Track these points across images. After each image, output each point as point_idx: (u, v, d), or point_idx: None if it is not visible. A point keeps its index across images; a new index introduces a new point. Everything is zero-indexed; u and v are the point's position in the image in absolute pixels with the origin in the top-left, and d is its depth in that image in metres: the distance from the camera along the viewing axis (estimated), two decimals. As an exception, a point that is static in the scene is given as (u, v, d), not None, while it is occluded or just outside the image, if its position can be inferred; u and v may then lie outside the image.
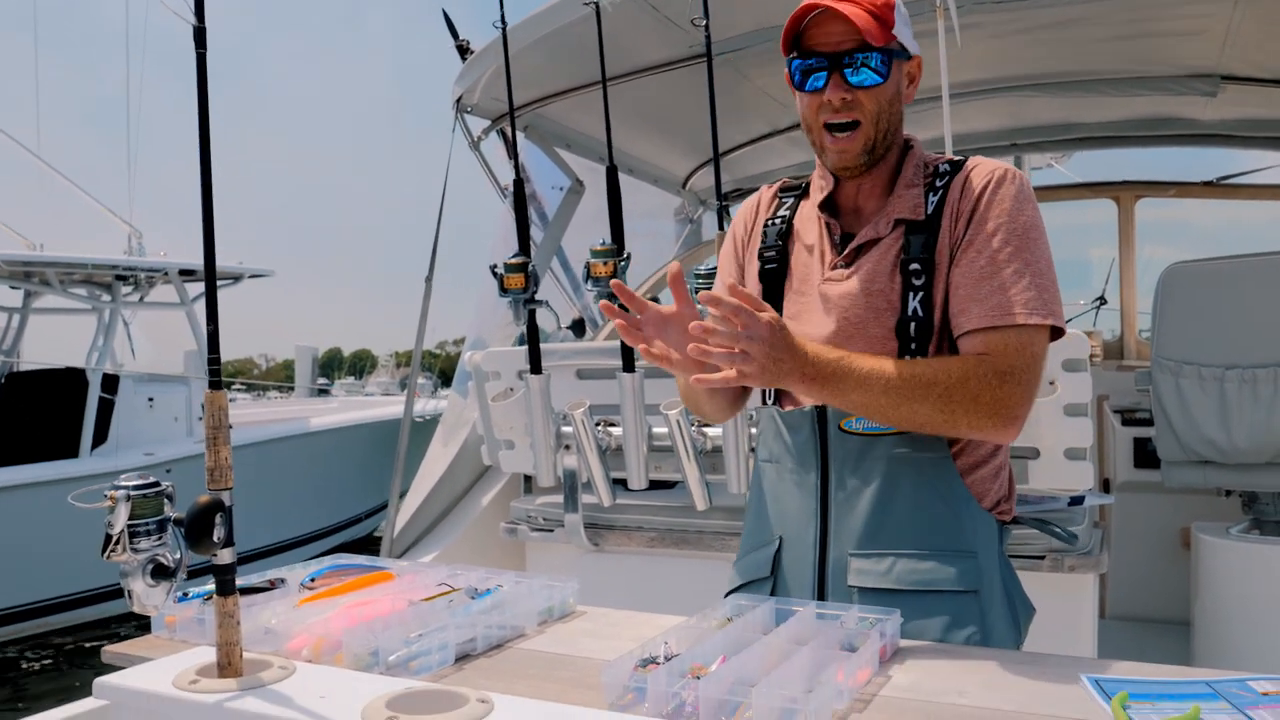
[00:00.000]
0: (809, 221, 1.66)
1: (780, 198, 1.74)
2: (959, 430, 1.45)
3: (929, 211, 1.53)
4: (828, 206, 1.63)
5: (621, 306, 1.49)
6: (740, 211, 1.80)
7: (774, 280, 1.66)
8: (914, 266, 1.51)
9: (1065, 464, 2.36)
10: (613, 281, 1.49)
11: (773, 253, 1.67)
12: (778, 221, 1.69)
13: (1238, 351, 3.01)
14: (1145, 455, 3.91)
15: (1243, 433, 3.00)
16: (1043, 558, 2.45)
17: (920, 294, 1.50)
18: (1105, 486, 4.10)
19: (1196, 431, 3.07)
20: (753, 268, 1.71)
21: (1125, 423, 4.07)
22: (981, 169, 1.54)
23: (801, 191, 1.72)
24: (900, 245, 1.53)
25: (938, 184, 1.55)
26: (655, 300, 3.23)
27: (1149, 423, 3.45)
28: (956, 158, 1.60)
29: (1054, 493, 2.48)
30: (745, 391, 1.77)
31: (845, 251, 1.58)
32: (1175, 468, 3.20)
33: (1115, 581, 3.99)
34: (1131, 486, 4.00)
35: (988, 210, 1.50)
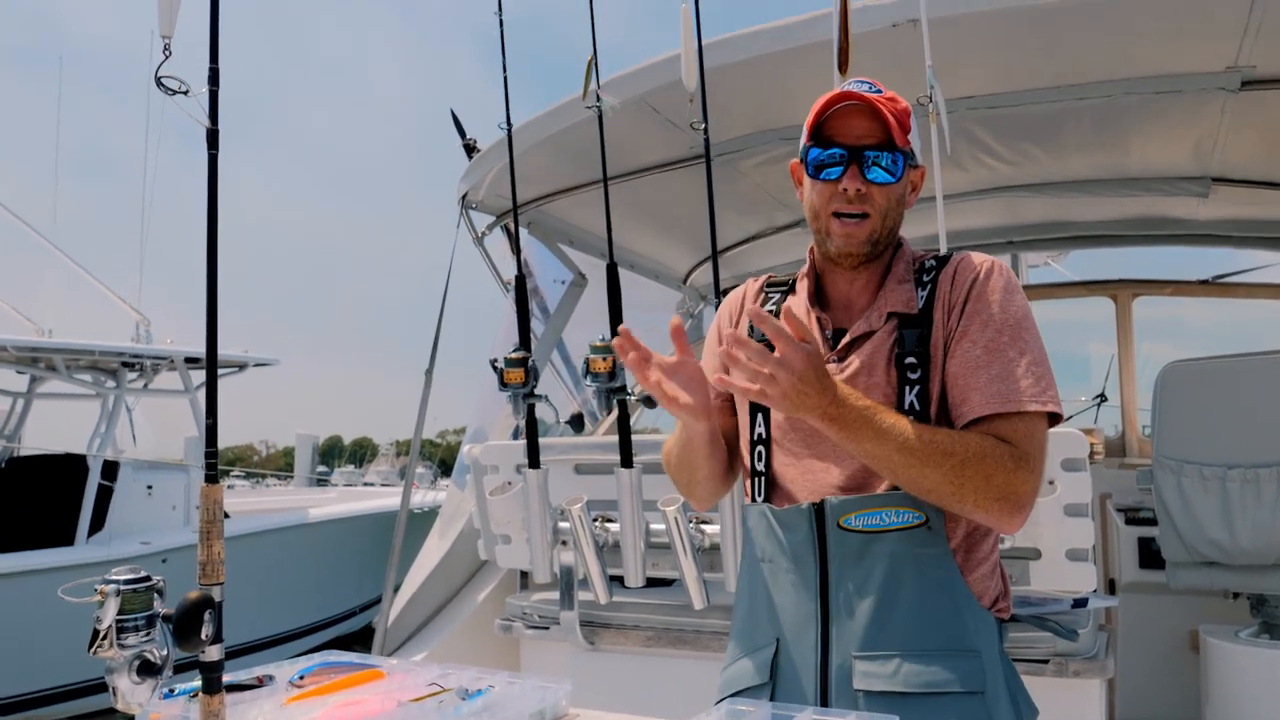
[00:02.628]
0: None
1: (766, 293, 1.75)
2: (964, 506, 1.43)
3: (921, 305, 1.55)
4: (818, 301, 1.65)
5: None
6: (725, 305, 1.80)
7: None
8: (909, 360, 1.52)
9: (1067, 565, 2.33)
10: (620, 327, 1.49)
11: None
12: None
13: (1239, 451, 3.00)
14: (1150, 555, 3.86)
15: (1246, 533, 2.97)
16: (1046, 662, 2.40)
17: (916, 387, 1.51)
18: (1111, 587, 4.04)
19: (1200, 532, 3.04)
20: None
21: (1129, 522, 4.03)
22: (969, 262, 1.57)
23: (789, 288, 1.73)
24: (894, 339, 1.54)
25: (925, 279, 1.58)
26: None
27: (1153, 522, 3.42)
28: (942, 253, 1.63)
29: (1056, 595, 2.45)
30: (733, 469, 1.74)
31: (839, 346, 1.58)
32: (1180, 569, 3.16)
33: (1124, 685, 3.90)
34: (1137, 587, 3.94)
35: (979, 301, 1.52)
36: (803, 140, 1.58)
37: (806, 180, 1.60)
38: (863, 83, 1.58)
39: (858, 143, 1.53)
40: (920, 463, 1.39)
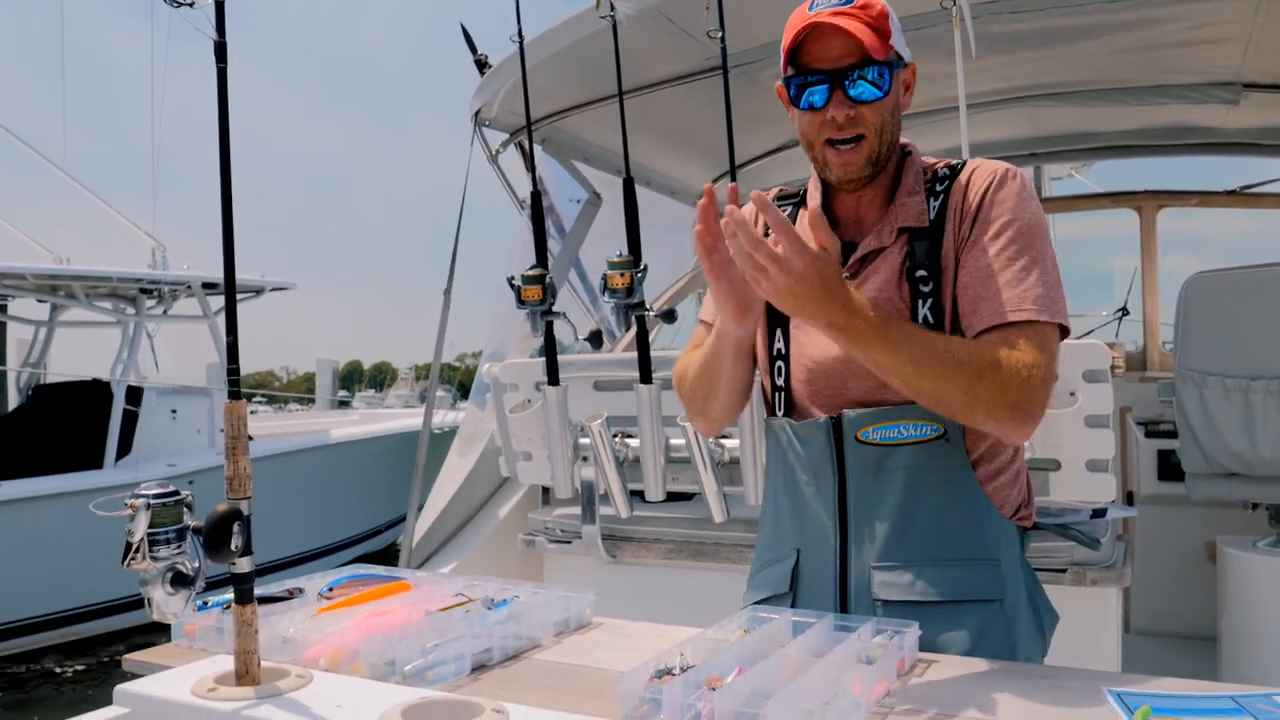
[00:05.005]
0: (808, 232, 1.63)
1: (778, 205, 1.70)
2: (975, 418, 1.39)
3: (932, 217, 1.52)
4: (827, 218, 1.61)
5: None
6: None
7: None
8: (920, 273, 1.50)
9: (1087, 476, 2.34)
10: (753, 194, 1.35)
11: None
12: None
13: (1262, 362, 2.98)
14: (1169, 468, 3.87)
15: (1268, 444, 2.96)
16: (1064, 570, 2.42)
17: (929, 300, 1.49)
18: (1129, 500, 4.06)
19: (1221, 443, 3.04)
20: None
21: (1149, 435, 4.03)
22: (983, 169, 1.53)
23: (800, 200, 1.69)
24: (905, 253, 1.52)
25: (938, 188, 1.54)
26: (673, 313, 3.21)
27: (1173, 435, 3.41)
28: (954, 161, 1.58)
29: (1076, 505, 2.45)
30: (750, 388, 1.70)
31: (849, 262, 1.55)
32: (1200, 480, 3.16)
33: (1140, 596, 3.94)
34: (1156, 499, 3.96)
35: (991, 208, 1.48)
36: (780, 66, 1.51)
37: (793, 110, 1.53)
38: None
39: (837, 64, 1.46)
40: (934, 374, 1.35)
